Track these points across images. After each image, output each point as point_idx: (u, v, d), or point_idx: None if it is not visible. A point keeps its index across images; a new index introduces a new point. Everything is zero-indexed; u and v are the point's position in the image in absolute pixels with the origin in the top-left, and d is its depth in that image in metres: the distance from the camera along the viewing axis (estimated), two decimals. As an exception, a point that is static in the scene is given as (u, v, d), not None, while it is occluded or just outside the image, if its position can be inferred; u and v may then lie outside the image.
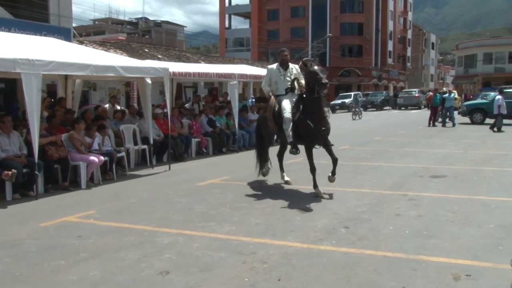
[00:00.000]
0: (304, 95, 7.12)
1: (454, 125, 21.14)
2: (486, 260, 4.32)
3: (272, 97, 7.58)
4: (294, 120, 7.09)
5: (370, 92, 49.10)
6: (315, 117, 6.90)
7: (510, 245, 4.68)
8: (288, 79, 7.48)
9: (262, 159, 8.27)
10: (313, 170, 7.14)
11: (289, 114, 7.15)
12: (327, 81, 6.74)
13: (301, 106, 7.09)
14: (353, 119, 28.56)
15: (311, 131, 6.95)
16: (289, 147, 7.41)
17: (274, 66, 7.76)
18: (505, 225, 5.45)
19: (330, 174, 7.28)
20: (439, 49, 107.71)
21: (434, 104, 22.33)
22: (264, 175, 8.32)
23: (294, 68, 7.63)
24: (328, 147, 7.26)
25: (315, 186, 7.14)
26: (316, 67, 6.84)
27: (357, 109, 30.11)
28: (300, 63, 7.34)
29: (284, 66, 7.58)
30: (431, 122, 21.73)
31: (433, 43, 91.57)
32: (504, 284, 3.68)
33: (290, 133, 7.14)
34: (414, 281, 3.89)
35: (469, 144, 14.01)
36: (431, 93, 23.70)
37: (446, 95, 22.35)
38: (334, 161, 7.27)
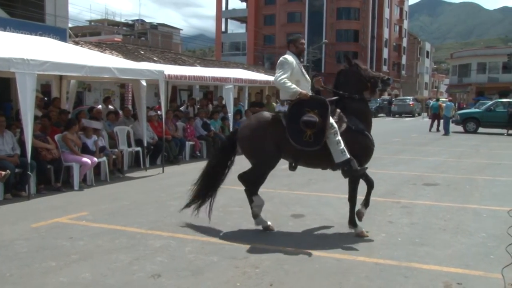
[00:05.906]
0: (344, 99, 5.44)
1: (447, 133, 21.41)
2: (477, 268, 4.34)
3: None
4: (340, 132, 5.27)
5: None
6: (369, 127, 5.45)
7: (501, 254, 4.70)
8: (308, 77, 5.53)
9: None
10: (353, 199, 5.53)
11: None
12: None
13: (341, 113, 5.40)
14: None
15: (370, 146, 5.40)
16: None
17: (292, 58, 5.39)
18: (496, 234, 5.48)
19: (360, 207, 5.56)
20: (433, 58, 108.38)
21: (435, 111, 23.62)
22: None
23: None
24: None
25: (353, 221, 5.43)
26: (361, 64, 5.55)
27: None
28: (346, 61, 5.60)
29: (300, 60, 5.63)
30: (432, 127, 23.00)
31: (427, 52, 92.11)
32: (495, 293, 3.70)
33: (343, 147, 5.24)
34: (406, 288, 3.90)
35: (462, 153, 14.10)
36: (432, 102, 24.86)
37: (448, 103, 23.41)
38: (371, 186, 5.62)
